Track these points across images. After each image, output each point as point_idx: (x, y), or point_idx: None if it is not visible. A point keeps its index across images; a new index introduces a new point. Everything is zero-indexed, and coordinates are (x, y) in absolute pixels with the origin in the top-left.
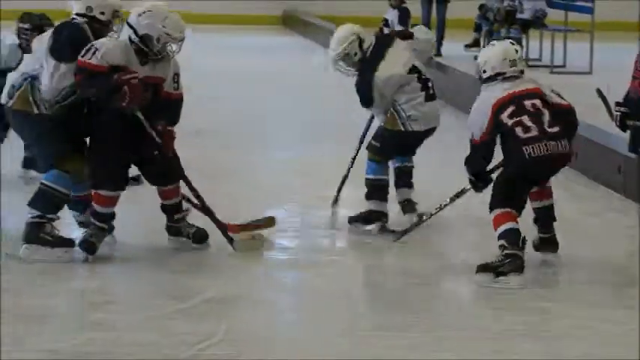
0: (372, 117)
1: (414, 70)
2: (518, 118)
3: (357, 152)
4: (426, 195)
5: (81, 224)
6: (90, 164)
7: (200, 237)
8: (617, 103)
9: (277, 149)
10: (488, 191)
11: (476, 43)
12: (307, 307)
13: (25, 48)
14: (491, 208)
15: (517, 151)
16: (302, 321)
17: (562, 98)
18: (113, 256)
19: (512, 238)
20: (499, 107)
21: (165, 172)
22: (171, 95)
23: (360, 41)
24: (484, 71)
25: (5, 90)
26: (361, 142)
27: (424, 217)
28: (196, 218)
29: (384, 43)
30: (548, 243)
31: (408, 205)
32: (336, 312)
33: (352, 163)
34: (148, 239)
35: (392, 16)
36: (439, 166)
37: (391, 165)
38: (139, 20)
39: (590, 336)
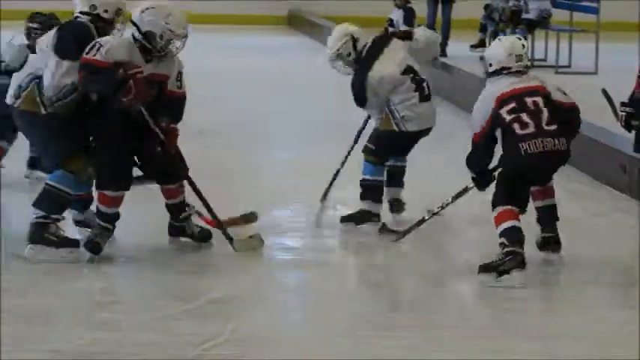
0: (369, 117)
1: (408, 70)
2: (516, 115)
3: (351, 150)
4: (427, 195)
5: (78, 223)
6: (94, 164)
7: (203, 236)
8: (623, 104)
9: (280, 149)
10: (491, 190)
11: (481, 44)
12: (311, 307)
13: (34, 48)
14: (494, 206)
15: (513, 148)
16: (306, 321)
17: (567, 96)
18: (118, 257)
19: (512, 236)
20: (501, 101)
21: (168, 170)
22: (175, 93)
23: (354, 41)
24: (490, 65)
25: (11, 90)
26: (355, 141)
27: (426, 217)
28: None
29: (380, 43)
30: (551, 242)
31: (396, 205)
32: (336, 312)
33: (345, 160)
34: (153, 239)
35: (397, 16)
36: (443, 166)
37: None
38: (141, 17)
39: (590, 336)
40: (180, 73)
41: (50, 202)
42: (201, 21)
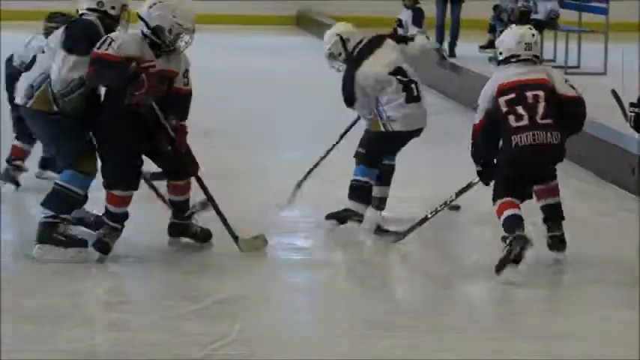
0: (359, 117)
1: (397, 71)
2: (513, 107)
3: (334, 145)
4: (432, 196)
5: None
6: (102, 164)
7: (205, 236)
8: (632, 104)
9: (287, 149)
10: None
11: (490, 45)
12: (318, 307)
13: None
14: (494, 200)
15: (507, 140)
16: (314, 321)
17: (574, 89)
18: (126, 257)
19: (510, 223)
20: (502, 90)
21: (178, 167)
22: (181, 90)
23: (343, 42)
24: (500, 53)
25: (22, 91)
26: (341, 137)
27: (428, 215)
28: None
29: (373, 43)
30: (556, 242)
31: (381, 204)
32: (340, 312)
33: (325, 155)
34: (162, 239)
35: (406, 16)
36: (452, 166)
37: None
38: (149, 12)
39: (590, 336)
40: (186, 71)
41: (59, 202)
42: (208, 21)
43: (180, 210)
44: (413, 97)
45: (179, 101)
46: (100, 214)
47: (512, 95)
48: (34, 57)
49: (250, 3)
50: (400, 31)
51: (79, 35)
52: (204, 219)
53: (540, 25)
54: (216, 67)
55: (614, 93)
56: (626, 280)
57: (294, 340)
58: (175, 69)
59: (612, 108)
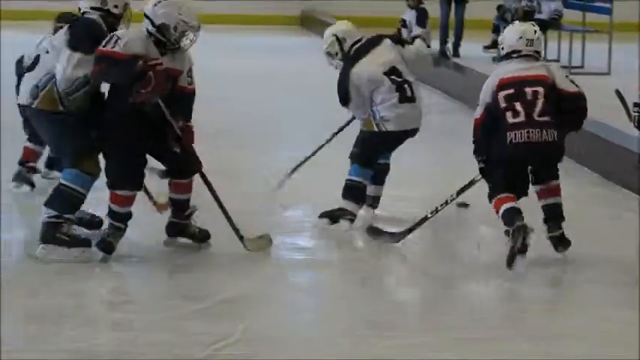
0: (353, 117)
1: (392, 71)
2: (511, 102)
3: (327, 142)
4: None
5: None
6: (106, 163)
7: (203, 237)
8: (636, 104)
9: (292, 149)
10: None
11: (494, 45)
12: (322, 307)
13: None
14: (490, 198)
15: (502, 136)
16: (317, 321)
17: (575, 84)
18: (130, 256)
19: (509, 215)
20: (501, 85)
21: (182, 165)
22: (185, 89)
23: (339, 41)
24: (502, 48)
25: (27, 91)
26: (333, 135)
27: (428, 214)
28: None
29: (370, 43)
30: (556, 241)
31: (374, 202)
32: (342, 312)
33: (317, 150)
34: (165, 239)
35: (410, 16)
36: (456, 165)
37: None
38: (154, 10)
39: (590, 336)
40: (190, 69)
41: (63, 202)
42: (211, 21)
43: (181, 209)
44: (407, 98)
45: (183, 100)
46: (95, 214)
47: (511, 91)
48: (37, 57)
49: (255, 3)
50: (404, 31)
51: (84, 33)
52: (203, 220)
53: (544, 25)
54: (221, 68)
55: (618, 93)
56: (626, 280)
57: (297, 340)
58: (180, 67)
59: (616, 108)
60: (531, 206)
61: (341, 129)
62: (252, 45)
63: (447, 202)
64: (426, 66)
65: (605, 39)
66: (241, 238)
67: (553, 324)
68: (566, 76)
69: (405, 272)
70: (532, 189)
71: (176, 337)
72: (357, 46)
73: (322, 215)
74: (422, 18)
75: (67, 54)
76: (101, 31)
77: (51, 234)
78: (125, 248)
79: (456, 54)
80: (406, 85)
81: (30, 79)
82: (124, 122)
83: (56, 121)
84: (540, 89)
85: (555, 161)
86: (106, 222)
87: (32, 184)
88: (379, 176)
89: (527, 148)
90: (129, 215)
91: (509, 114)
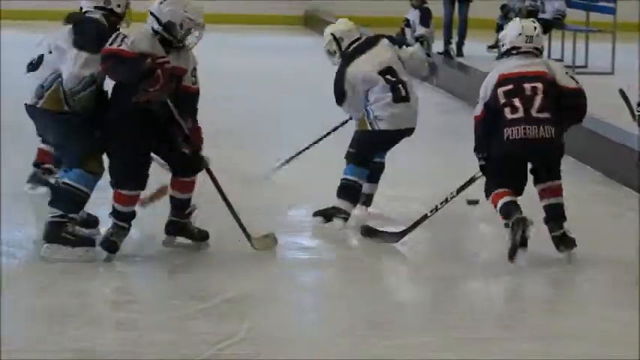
0: (350, 117)
1: (387, 71)
2: (510, 98)
3: (320, 139)
4: (430, 194)
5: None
6: (110, 163)
7: (202, 237)
8: (639, 104)
9: (294, 149)
10: None
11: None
12: (326, 307)
13: None
14: (487, 194)
15: (500, 132)
16: (321, 321)
17: (575, 81)
18: (134, 256)
19: (507, 209)
20: (501, 80)
21: (187, 164)
22: (190, 89)
23: (337, 40)
24: (502, 45)
25: (32, 91)
26: (327, 134)
27: (429, 213)
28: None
29: (368, 42)
30: (557, 241)
31: (368, 200)
32: (343, 312)
33: (310, 145)
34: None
35: (413, 16)
36: (459, 165)
37: None
38: (160, 8)
39: (590, 336)
40: (194, 69)
41: (67, 201)
42: (215, 21)
43: (181, 208)
44: (401, 97)
45: (187, 100)
46: (91, 213)
47: (511, 87)
48: (41, 57)
49: (259, 3)
50: (408, 30)
51: (89, 33)
52: (202, 220)
53: (547, 25)
54: (224, 67)
55: (621, 92)
56: (626, 279)
57: (301, 340)
58: (184, 66)
59: (620, 107)
60: (531, 206)
61: (336, 128)
62: (255, 45)
63: (446, 200)
64: (421, 71)
65: (609, 39)
66: (249, 237)
67: (553, 324)
68: (566, 73)
69: (405, 272)
70: (532, 189)
71: (180, 337)
72: (354, 45)
73: (316, 214)
74: (425, 17)
75: (74, 53)
76: (105, 30)
77: (55, 233)
78: (129, 248)
79: (460, 53)
80: (400, 85)
81: (35, 79)
82: (127, 121)
83: (61, 121)
84: (539, 85)
85: (554, 159)
86: (110, 221)
87: (49, 185)
88: (374, 175)
89: (523, 144)
90: (133, 215)
91: (507, 110)
